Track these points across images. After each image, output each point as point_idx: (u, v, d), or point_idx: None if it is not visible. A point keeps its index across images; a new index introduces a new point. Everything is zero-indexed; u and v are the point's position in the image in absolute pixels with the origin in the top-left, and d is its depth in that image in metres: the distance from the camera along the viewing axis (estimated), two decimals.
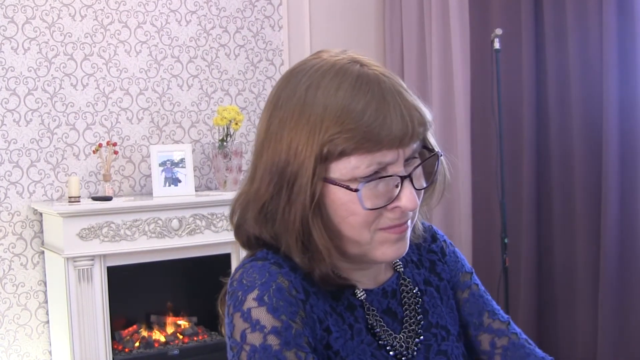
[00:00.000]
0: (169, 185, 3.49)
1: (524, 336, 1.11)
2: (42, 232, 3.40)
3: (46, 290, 3.41)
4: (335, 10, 4.20)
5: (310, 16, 4.12)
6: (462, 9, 3.71)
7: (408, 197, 0.93)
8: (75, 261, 3.08)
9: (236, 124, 3.58)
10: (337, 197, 0.93)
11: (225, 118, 3.53)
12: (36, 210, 3.38)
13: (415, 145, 0.94)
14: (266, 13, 3.99)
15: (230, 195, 3.51)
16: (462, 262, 1.16)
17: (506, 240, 3.20)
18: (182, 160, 3.53)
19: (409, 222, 0.97)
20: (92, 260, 3.12)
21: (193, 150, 3.72)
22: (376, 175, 0.92)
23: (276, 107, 0.96)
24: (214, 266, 3.56)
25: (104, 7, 3.54)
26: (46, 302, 3.42)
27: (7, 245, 3.35)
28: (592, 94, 3.22)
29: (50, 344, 3.43)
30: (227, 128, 3.61)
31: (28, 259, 3.39)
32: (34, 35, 3.39)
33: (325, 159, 0.91)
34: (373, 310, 1.01)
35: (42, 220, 3.40)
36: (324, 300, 0.97)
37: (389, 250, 0.96)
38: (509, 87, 3.50)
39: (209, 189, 3.81)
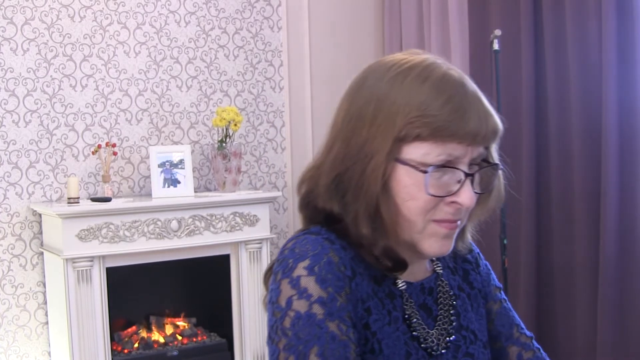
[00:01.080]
0: (168, 186, 3.49)
1: (544, 352, 1.18)
2: (41, 233, 3.40)
3: (45, 292, 3.41)
4: (335, 12, 4.20)
5: (310, 17, 4.12)
6: (461, 10, 3.71)
7: (466, 194, 0.98)
8: (74, 262, 3.08)
9: (235, 125, 3.58)
10: (403, 178, 0.98)
11: (224, 119, 3.54)
12: (35, 211, 3.38)
13: (482, 150, 1.00)
14: (265, 14, 3.99)
15: (229, 196, 3.51)
16: (493, 276, 1.23)
17: (505, 241, 3.20)
18: (181, 161, 3.53)
19: (459, 222, 1.02)
20: (92, 261, 3.12)
21: (192, 151, 3.72)
22: (445, 165, 0.97)
23: (362, 87, 1.02)
24: (213, 267, 3.57)
25: (103, 8, 3.54)
26: (45, 303, 3.42)
27: (6, 246, 3.35)
28: (592, 95, 3.22)
29: (49, 345, 3.42)
30: (226, 129, 3.61)
31: (27, 260, 3.39)
32: (33, 36, 3.38)
33: (401, 139, 0.97)
34: (411, 302, 1.05)
35: (41, 221, 3.39)
36: (368, 282, 1.01)
37: (436, 244, 1.01)
38: (508, 88, 3.50)
39: (208, 190, 3.81)
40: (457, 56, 3.69)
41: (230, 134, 3.63)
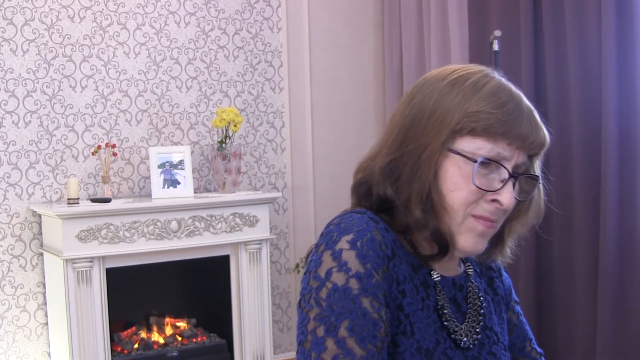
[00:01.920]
0: (168, 187, 3.49)
1: None
2: (41, 233, 3.40)
3: (45, 292, 3.41)
4: (334, 12, 4.20)
5: (309, 18, 4.12)
6: (461, 10, 3.71)
7: (508, 194, 1.03)
8: (74, 263, 3.08)
9: (235, 125, 3.58)
10: (452, 168, 1.03)
11: (224, 120, 3.53)
12: (35, 212, 3.38)
13: (526, 160, 1.05)
14: (265, 15, 3.99)
15: (229, 197, 3.51)
16: (513, 290, 1.27)
17: None
18: (181, 162, 3.53)
19: (495, 224, 1.06)
20: (91, 262, 3.12)
21: (192, 152, 3.72)
22: (493, 160, 1.02)
23: (422, 87, 1.08)
24: (212, 268, 3.57)
25: (102, 9, 3.54)
26: (45, 303, 3.42)
27: (6, 247, 3.35)
28: (591, 95, 3.22)
29: (49, 346, 3.42)
30: (226, 130, 3.61)
31: (27, 261, 3.39)
32: (33, 37, 3.38)
33: (456, 132, 1.02)
34: (443, 294, 1.09)
35: (41, 222, 3.39)
36: (406, 266, 1.05)
37: (471, 240, 1.05)
38: None
39: (208, 190, 3.81)
40: (457, 56, 3.69)
41: (230, 135, 3.63)
